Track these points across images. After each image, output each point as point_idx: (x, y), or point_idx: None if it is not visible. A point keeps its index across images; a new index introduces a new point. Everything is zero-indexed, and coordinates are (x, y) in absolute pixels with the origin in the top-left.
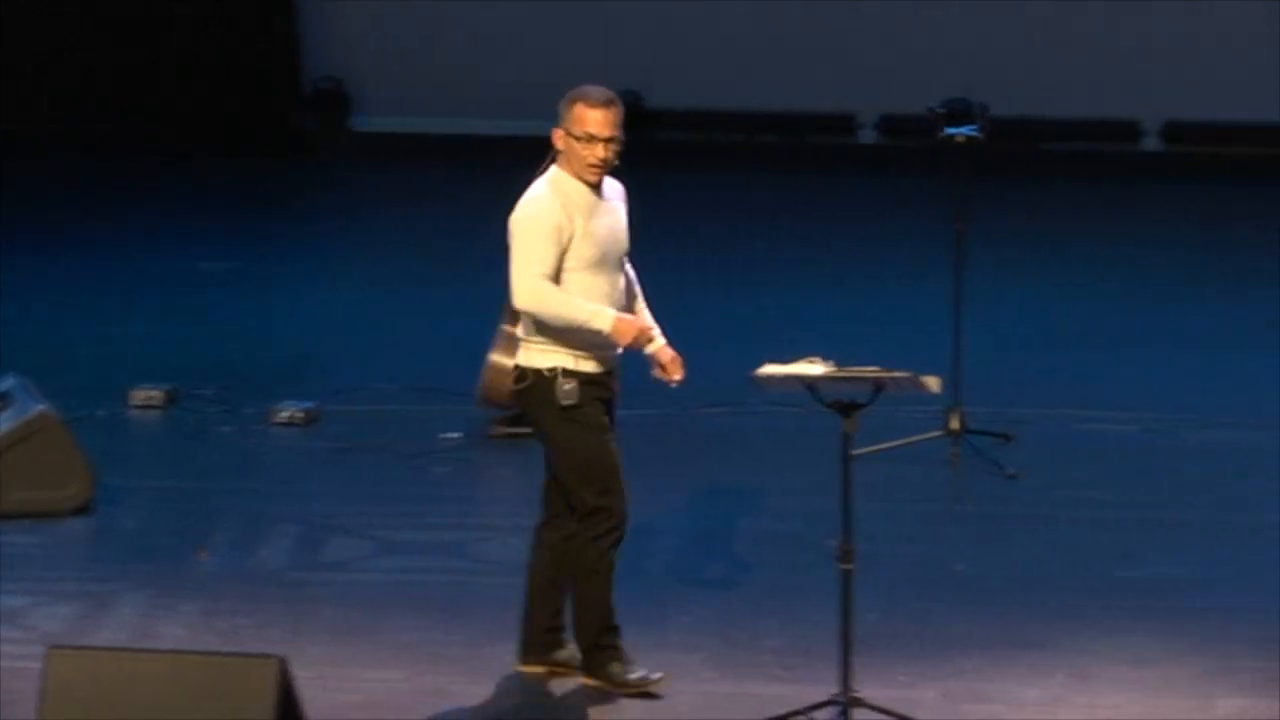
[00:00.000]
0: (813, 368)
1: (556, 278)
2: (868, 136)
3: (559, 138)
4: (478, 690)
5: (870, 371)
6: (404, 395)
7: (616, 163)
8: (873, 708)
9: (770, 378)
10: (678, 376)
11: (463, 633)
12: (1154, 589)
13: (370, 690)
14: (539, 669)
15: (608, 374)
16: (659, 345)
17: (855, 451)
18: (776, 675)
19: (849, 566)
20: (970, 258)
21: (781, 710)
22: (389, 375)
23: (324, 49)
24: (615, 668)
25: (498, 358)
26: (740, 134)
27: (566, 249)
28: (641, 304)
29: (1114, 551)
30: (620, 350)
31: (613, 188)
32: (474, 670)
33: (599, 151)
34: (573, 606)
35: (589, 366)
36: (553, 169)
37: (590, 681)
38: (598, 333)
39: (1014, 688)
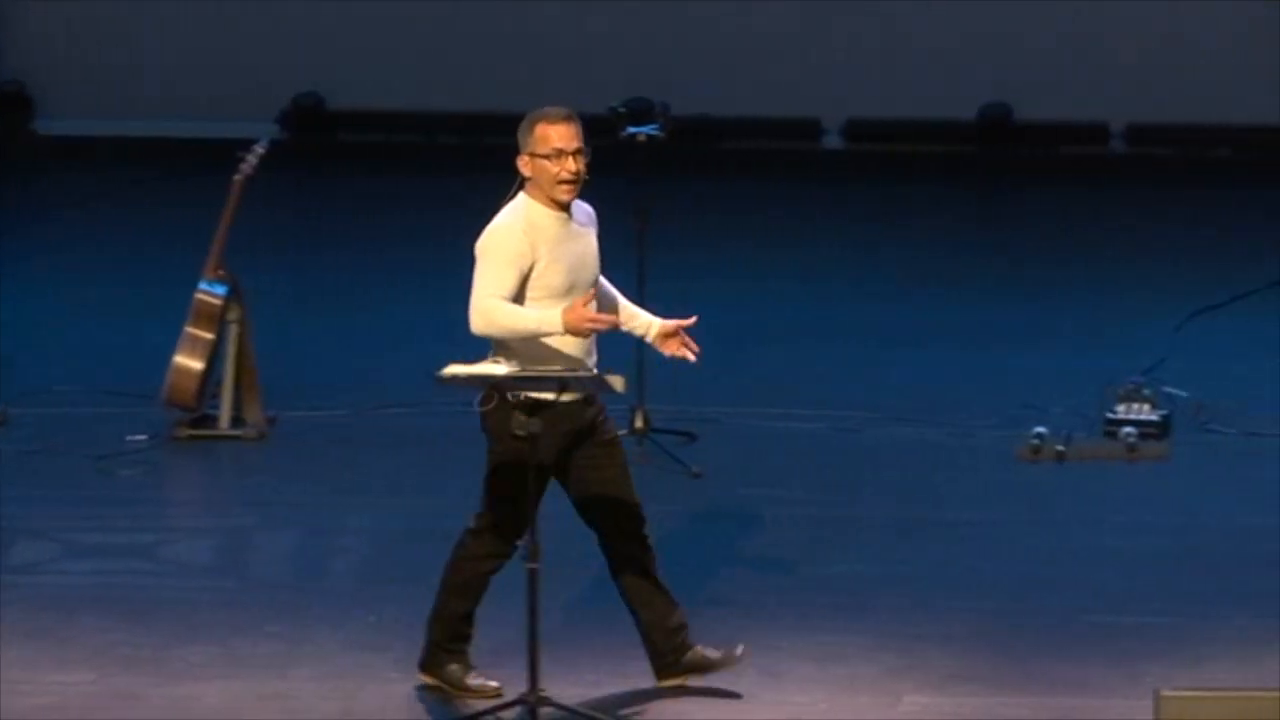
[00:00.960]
0: (497, 368)
1: (518, 304)
2: None
3: (524, 164)
4: (170, 691)
5: (554, 371)
6: (91, 398)
7: (587, 177)
8: (560, 707)
9: (454, 378)
10: (694, 348)
11: (153, 634)
12: (841, 586)
13: (61, 692)
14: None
15: (574, 404)
16: (658, 326)
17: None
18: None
19: (535, 565)
20: (652, 256)
21: (469, 710)
22: (76, 378)
23: (5, 52)
24: (455, 669)
25: (181, 360)
26: (422, 134)
27: (529, 277)
28: (626, 307)
29: (801, 549)
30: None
31: (583, 211)
32: (164, 672)
33: (570, 165)
34: (433, 605)
35: (550, 396)
36: (520, 196)
37: (428, 680)
38: (552, 333)
39: (701, 685)
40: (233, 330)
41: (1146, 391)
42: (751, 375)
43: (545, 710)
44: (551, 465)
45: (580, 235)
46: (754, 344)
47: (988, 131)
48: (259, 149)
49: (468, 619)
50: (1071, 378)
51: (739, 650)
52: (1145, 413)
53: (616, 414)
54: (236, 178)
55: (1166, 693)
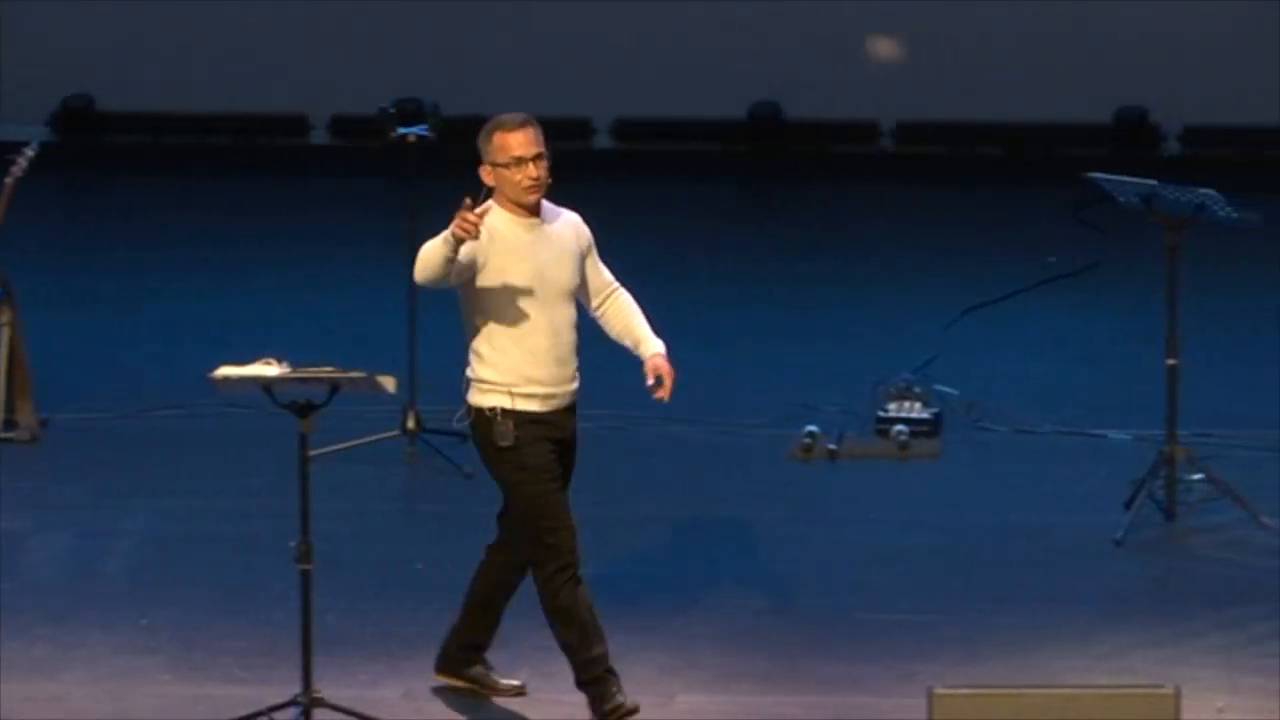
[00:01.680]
0: (269, 369)
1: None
2: (319, 137)
3: (486, 174)
4: None
5: (326, 372)
6: None
7: (550, 180)
8: (334, 707)
9: (226, 379)
10: (663, 395)
11: None
12: (616, 586)
13: None
14: (454, 681)
15: (556, 413)
16: (648, 356)
17: (313, 452)
18: (237, 677)
19: (308, 567)
20: None
21: (242, 711)
22: None
23: None
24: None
25: None
26: (191, 136)
27: (483, 270)
28: (633, 329)
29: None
30: (574, 387)
31: (563, 219)
32: None
33: (531, 171)
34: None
35: (530, 406)
36: (489, 203)
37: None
38: (448, 249)
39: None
40: (4, 332)
41: (917, 390)
42: None
43: (319, 710)
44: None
45: (552, 239)
46: None
47: (757, 130)
48: (29, 151)
49: (590, 643)
50: (843, 376)
51: (517, 684)
52: (916, 411)
53: (388, 415)
54: (7, 180)
55: (939, 690)
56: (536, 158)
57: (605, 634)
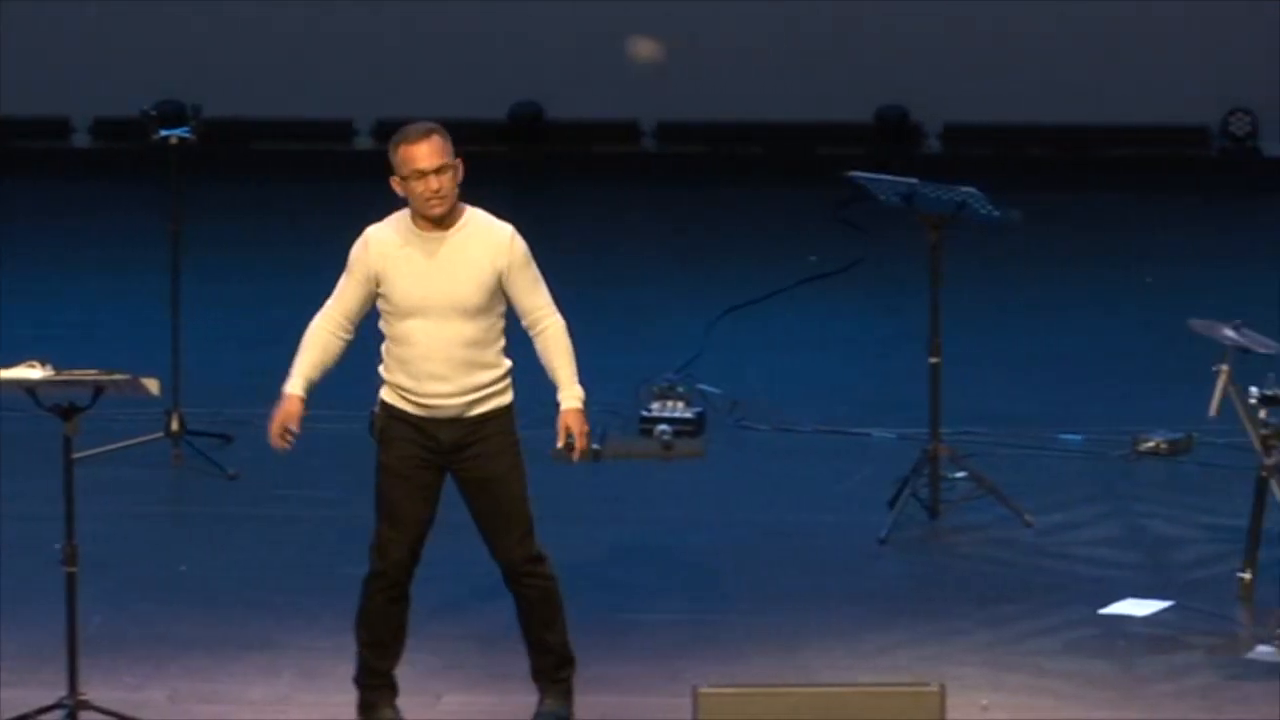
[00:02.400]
0: (33, 372)
1: (358, 315)
2: (81, 140)
3: (396, 184)
4: None
5: (90, 375)
6: None
7: (455, 190)
8: (100, 710)
9: None
10: (575, 457)
11: None
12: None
13: None
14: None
15: (433, 421)
16: (561, 410)
17: (77, 455)
18: (3, 680)
19: (73, 569)
20: (185, 259)
21: (9, 714)
22: None
23: None
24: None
25: None
26: None
27: (378, 289)
28: (560, 366)
29: (336, 550)
30: (459, 401)
31: (481, 234)
32: None
33: (432, 184)
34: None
35: (402, 405)
36: (405, 209)
37: None
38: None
39: (241, 688)
40: None
41: (680, 389)
42: (282, 376)
43: (85, 713)
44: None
45: (454, 255)
46: (288, 345)
47: (519, 131)
48: None
49: (373, 649)
50: (605, 376)
51: None
52: (679, 410)
53: (152, 418)
54: None
55: (704, 690)
56: (439, 170)
57: (401, 651)
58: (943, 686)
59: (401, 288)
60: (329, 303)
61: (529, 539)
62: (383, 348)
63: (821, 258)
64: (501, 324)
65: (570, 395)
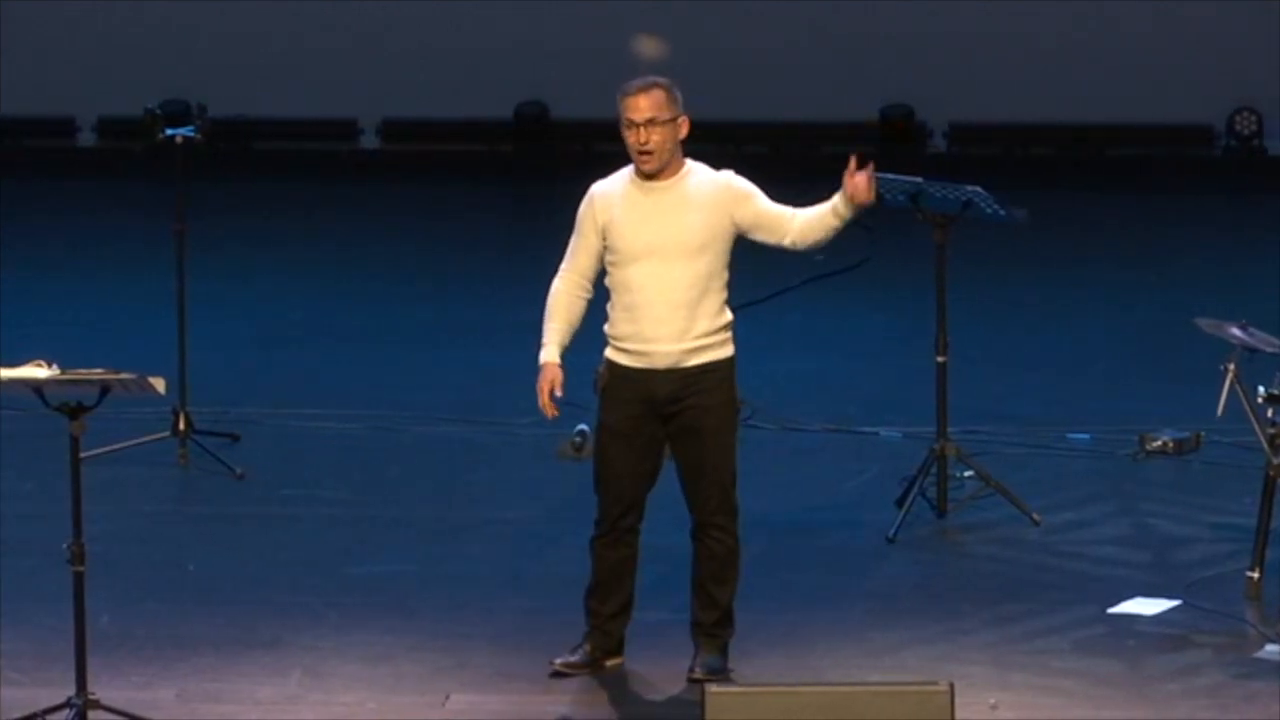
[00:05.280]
0: (39, 371)
1: (592, 271)
2: (87, 139)
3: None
4: None
5: (96, 374)
6: None
7: (669, 146)
8: (108, 709)
9: None
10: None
11: None
12: (384, 586)
13: None
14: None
15: (648, 373)
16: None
17: (84, 454)
18: (11, 679)
19: (81, 568)
20: (191, 258)
21: (17, 713)
22: None
23: None
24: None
25: None
26: None
27: (605, 241)
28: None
29: (343, 549)
30: (678, 347)
31: (703, 181)
32: None
33: (640, 135)
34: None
35: (621, 359)
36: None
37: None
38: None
39: (249, 687)
40: None
41: None
42: (293, 375)
43: (94, 712)
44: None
45: (676, 200)
46: (295, 344)
47: (524, 130)
48: None
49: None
50: None
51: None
52: None
53: (158, 417)
54: None
55: (713, 689)
56: (649, 123)
57: (628, 601)
58: (951, 686)
59: (628, 234)
60: (564, 266)
61: (727, 496)
62: (608, 304)
63: (828, 257)
64: (726, 276)
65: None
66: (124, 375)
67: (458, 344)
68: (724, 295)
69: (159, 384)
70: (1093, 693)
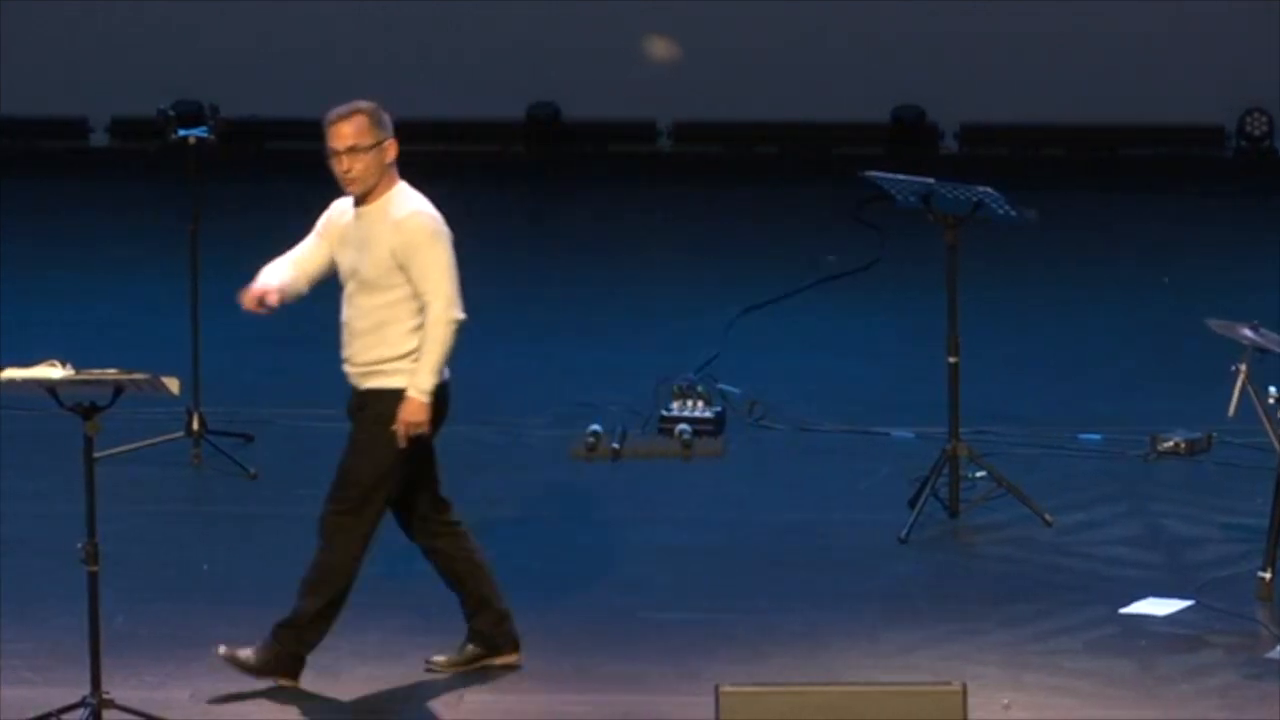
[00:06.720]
0: (53, 371)
1: (309, 261)
2: (99, 140)
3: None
4: None
5: (110, 374)
6: None
7: (370, 171)
8: (123, 709)
9: (11, 381)
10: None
11: None
12: (398, 586)
13: None
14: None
15: (350, 387)
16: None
17: (98, 454)
18: (25, 678)
19: (95, 568)
20: (203, 259)
21: (31, 713)
22: None
23: None
24: None
25: None
26: None
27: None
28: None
29: None
30: (350, 362)
31: (383, 210)
32: None
33: (342, 164)
34: None
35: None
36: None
37: None
38: None
39: (262, 687)
40: None
41: (700, 389)
42: (306, 376)
43: (108, 711)
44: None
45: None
46: (308, 344)
47: (536, 130)
48: None
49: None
50: (625, 376)
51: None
52: (699, 410)
53: (172, 417)
54: None
55: (727, 688)
56: (349, 150)
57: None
58: (965, 686)
59: (339, 256)
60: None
61: None
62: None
63: (840, 257)
64: (410, 304)
65: (415, 383)
66: (138, 375)
67: (467, 345)
68: (409, 323)
69: (173, 384)
70: (1105, 693)
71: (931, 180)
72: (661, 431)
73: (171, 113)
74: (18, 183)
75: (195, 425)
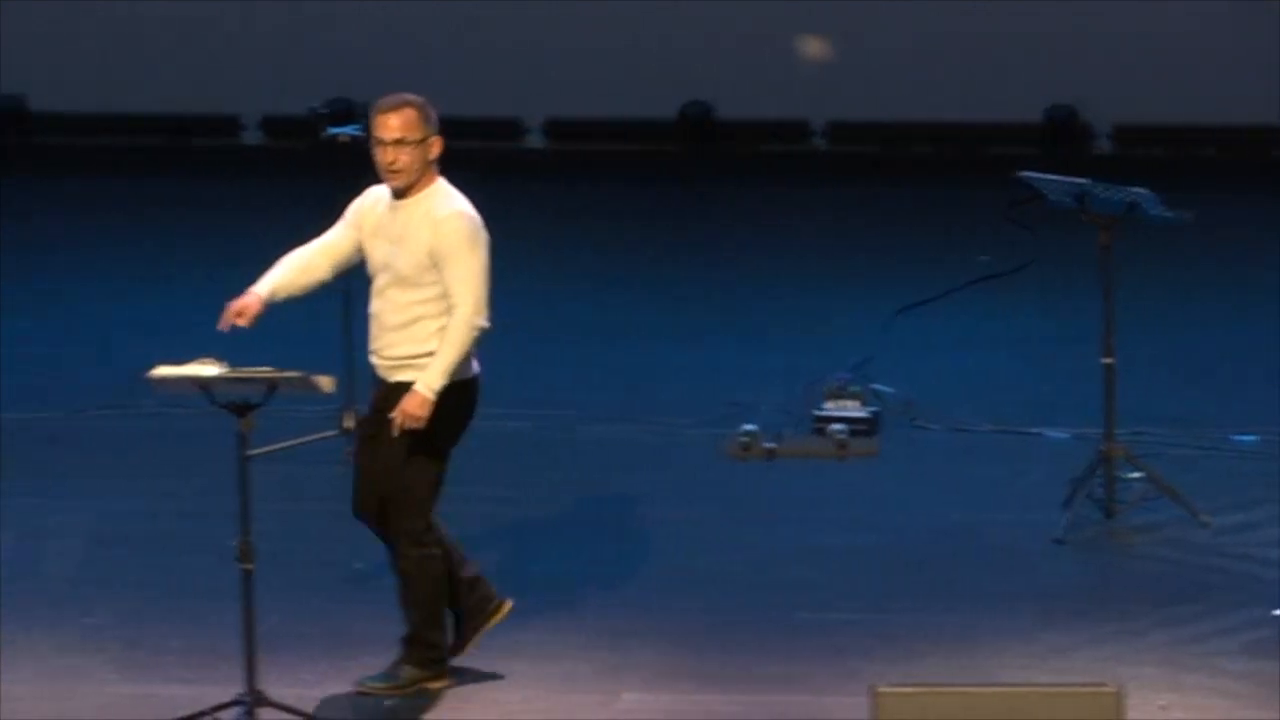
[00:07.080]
0: (207, 369)
1: (337, 248)
2: (252, 138)
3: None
4: None
5: (263, 372)
6: None
7: (415, 165)
8: (278, 706)
9: (164, 379)
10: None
11: None
12: (551, 585)
13: None
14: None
15: (379, 379)
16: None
17: (251, 452)
18: (180, 676)
19: (249, 566)
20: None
21: (186, 711)
22: None
23: None
24: None
25: None
26: (124, 137)
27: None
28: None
29: (509, 549)
30: (379, 355)
31: (423, 207)
32: None
33: (386, 155)
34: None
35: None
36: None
37: None
38: None
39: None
40: None
41: (854, 388)
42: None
43: (263, 709)
44: None
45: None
46: None
47: (689, 130)
48: None
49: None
50: (779, 375)
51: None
52: (854, 409)
53: (325, 415)
54: None
55: (883, 689)
56: (396, 143)
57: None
58: (1121, 687)
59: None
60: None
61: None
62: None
63: (993, 258)
64: (443, 302)
65: (423, 380)
66: (290, 374)
67: (619, 344)
68: (440, 322)
69: (325, 382)
70: (1263, 695)
71: (1086, 181)
72: (815, 431)
73: (323, 111)
74: (172, 180)
75: (348, 424)
